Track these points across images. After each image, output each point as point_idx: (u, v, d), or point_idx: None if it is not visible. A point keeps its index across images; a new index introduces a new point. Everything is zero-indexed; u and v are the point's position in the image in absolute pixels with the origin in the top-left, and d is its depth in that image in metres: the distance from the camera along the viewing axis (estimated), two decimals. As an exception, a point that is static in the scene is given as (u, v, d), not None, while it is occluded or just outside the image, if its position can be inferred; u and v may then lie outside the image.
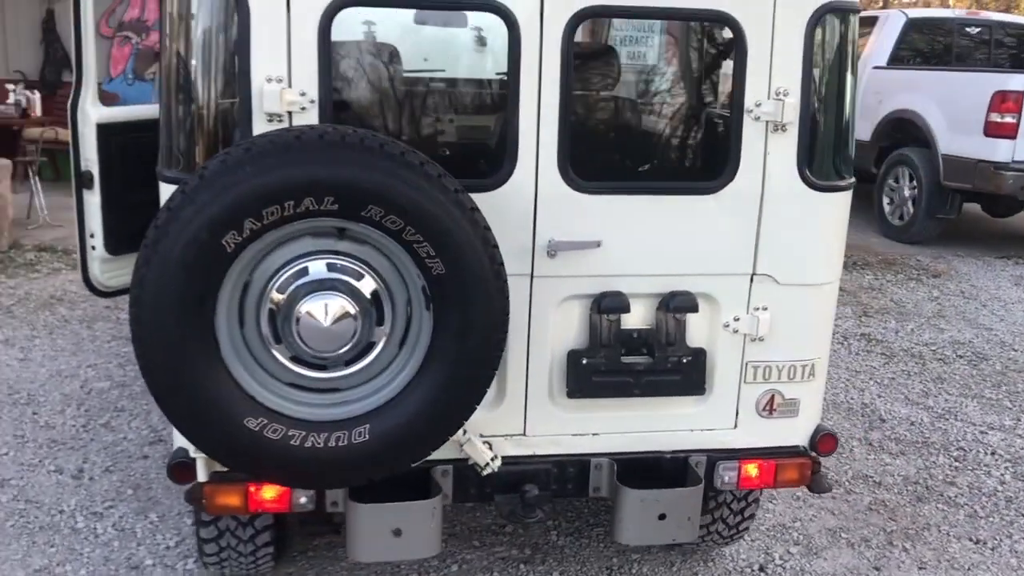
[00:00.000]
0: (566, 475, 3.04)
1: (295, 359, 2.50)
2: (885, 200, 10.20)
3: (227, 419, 2.43)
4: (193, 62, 2.64)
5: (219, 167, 2.29)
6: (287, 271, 2.43)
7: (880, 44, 10.63)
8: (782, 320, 3.03)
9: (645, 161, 3.13)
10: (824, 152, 3.02)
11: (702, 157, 3.14)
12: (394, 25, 2.86)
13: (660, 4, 2.75)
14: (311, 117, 2.63)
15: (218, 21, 2.59)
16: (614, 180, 2.98)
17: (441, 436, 2.61)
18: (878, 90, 10.26)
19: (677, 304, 2.92)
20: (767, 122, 2.85)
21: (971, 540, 4.23)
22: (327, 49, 2.61)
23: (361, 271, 2.47)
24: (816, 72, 2.90)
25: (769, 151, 2.88)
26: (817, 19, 2.81)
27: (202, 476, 2.78)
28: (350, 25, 2.77)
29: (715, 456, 3.11)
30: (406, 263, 2.47)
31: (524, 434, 3.00)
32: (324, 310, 2.41)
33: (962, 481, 4.78)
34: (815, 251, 3.02)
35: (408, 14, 2.81)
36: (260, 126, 2.58)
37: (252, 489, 2.80)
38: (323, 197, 2.31)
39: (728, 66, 2.86)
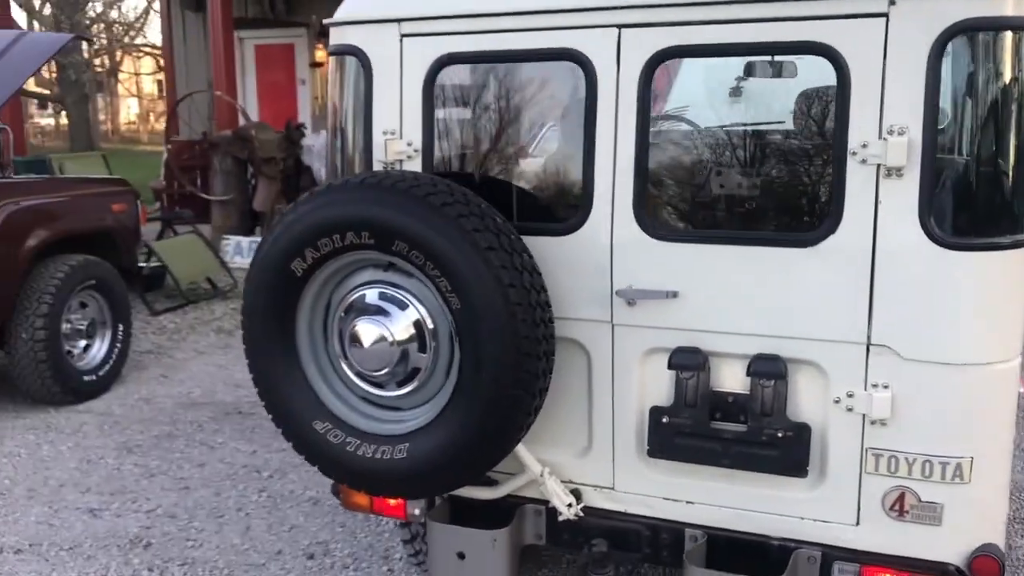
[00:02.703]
0: (659, 541, 2.86)
1: (360, 375, 2.81)
2: None
3: (301, 419, 2.84)
4: (343, 118, 3.12)
5: (292, 208, 2.73)
6: (352, 296, 2.77)
7: None
8: (911, 403, 2.51)
9: (730, 207, 2.78)
10: (962, 201, 2.45)
11: (799, 205, 2.69)
12: (490, 75, 3.03)
13: (745, 39, 2.53)
14: (416, 164, 2.94)
15: (356, 83, 3.03)
16: (695, 228, 2.76)
17: (469, 467, 2.69)
18: None
19: (758, 368, 2.61)
20: (878, 165, 2.42)
21: None
22: (431, 103, 2.91)
23: (406, 301, 2.70)
24: (949, 104, 2.39)
25: (881, 200, 2.44)
26: (946, 41, 2.33)
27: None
28: (454, 78, 3.01)
29: (832, 554, 2.66)
30: (436, 296, 2.64)
31: (613, 488, 2.90)
32: (365, 333, 2.70)
33: None
34: (953, 322, 2.45)
35: (500, 65, 2.95)
36: (380, 172, 2.95)
37: None
38: (360, 232, 2.61)
39: (830, 100, 2.48)
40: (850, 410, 2.57)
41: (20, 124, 13.05)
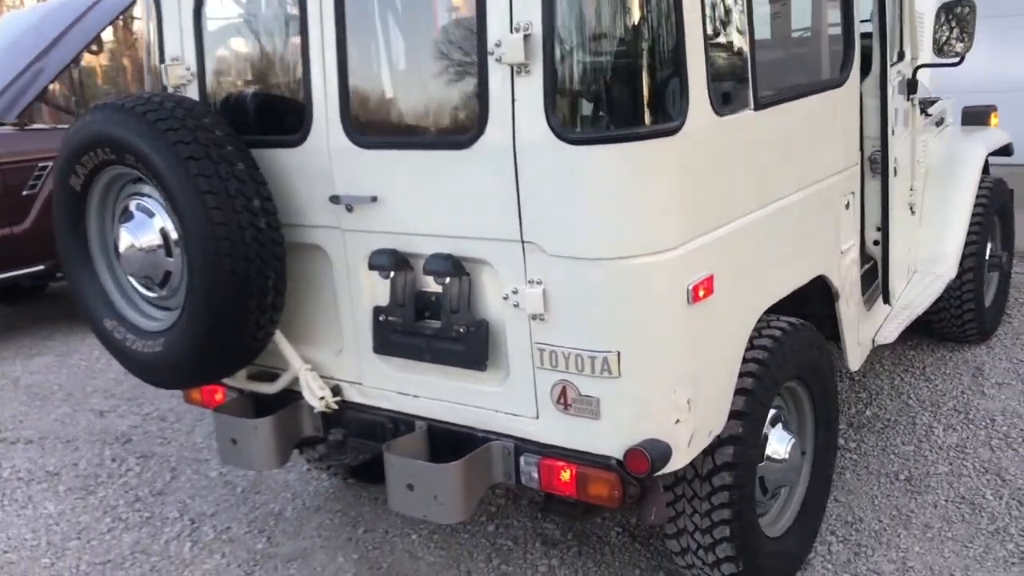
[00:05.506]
0: (399, 432, 3.04)
1: (132, 277, 3.16)
2: None
3: (97, 317, 3.24)
4: (148, 50, 3.45)
5: (66, 132, 3.11)
6: (119, 207, 3.12)
7: None
8: (560, 298, 2.55)
9: (408, 115, 2.80)
10: (582, 96, 2.43)
11: (459, 109, 2.66)
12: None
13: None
14: (194, 88, 3.23)
15: (152, 18, 3.34)
16: (387, 135, 2.85)
17: (206, 360, 2.97)
18: None
19: (429, 267, 2.72)
20: (511, 65, 2.46)
21: None
22: (200, 30, 3.18)
23: (153, 211, 3.01)
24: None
25: (516, 98, 2.48)
26: None
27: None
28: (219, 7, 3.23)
29: (521, 446, 2.76)
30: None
31: (362, 384, 3.10)
32: (122, 239, 3.04)
33: None
34: (584, 218, 2.46)
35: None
36: (172, 98, 3.27)
37: (205, 388, 3.52)
38: (104, 147, 2.95)
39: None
40: (516, 306, 2.64)
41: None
